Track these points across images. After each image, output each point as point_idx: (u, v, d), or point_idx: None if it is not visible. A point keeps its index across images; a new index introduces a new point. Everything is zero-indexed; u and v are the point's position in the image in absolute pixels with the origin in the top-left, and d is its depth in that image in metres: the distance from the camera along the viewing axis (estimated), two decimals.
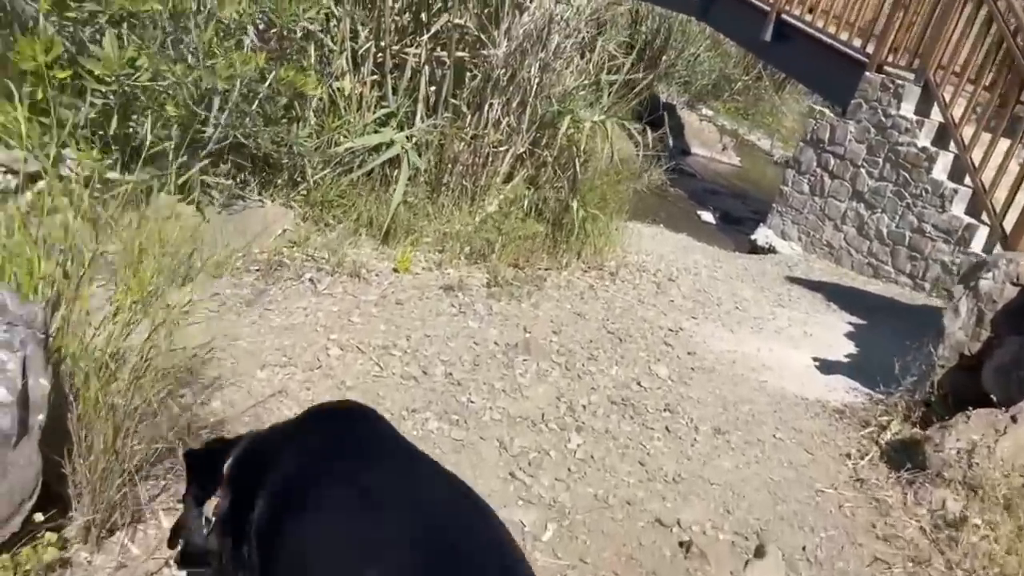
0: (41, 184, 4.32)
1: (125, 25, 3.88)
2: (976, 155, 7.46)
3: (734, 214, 10.48)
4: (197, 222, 4.33)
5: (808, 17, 8.78)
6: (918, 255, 7.47)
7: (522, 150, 5.61)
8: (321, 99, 5.16)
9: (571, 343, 4.05)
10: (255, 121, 4.58)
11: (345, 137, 5.10)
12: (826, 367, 4.76)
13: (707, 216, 10.08)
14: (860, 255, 7.98)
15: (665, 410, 3.62)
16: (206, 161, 4.59)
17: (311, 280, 4.00)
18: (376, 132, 5.13)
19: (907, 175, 7.65)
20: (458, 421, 3.13)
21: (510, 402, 3.36)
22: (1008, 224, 6.87)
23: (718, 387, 4.01)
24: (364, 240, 4.84)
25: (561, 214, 5.71)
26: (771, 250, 8.56)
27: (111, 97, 3.87)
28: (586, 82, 5.97)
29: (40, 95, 3.92)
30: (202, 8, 3.82)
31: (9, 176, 4.31)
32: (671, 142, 12.74)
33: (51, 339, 2.19)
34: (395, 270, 4.42)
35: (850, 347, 5.37)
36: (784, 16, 8.89)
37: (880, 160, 7.91)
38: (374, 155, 5.08)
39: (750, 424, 3.68)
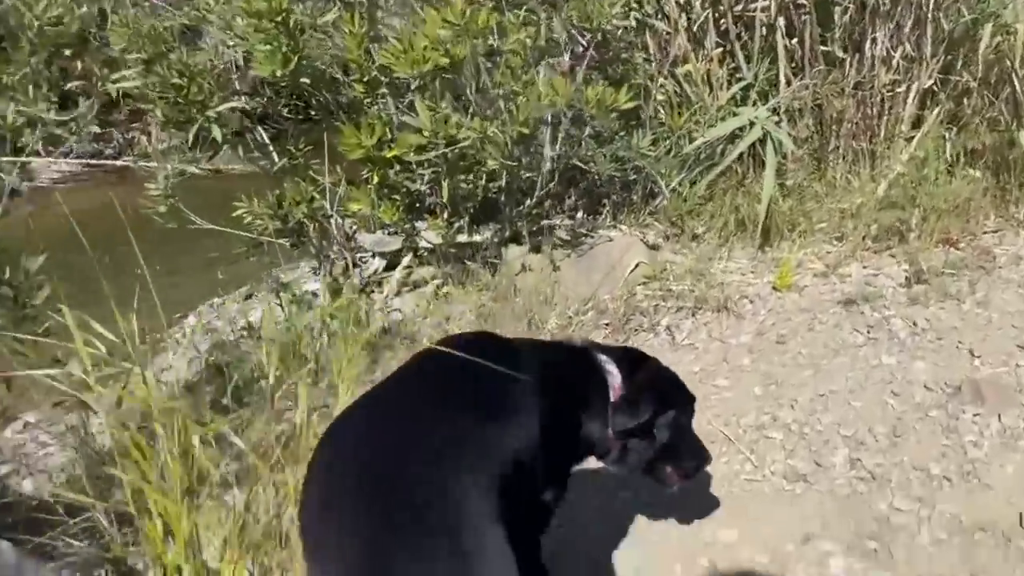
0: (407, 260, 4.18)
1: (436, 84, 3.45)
2: None
3: None
4: (548, 271, 3.80)
5: None
6: None
7: (929, 83, 4.13)
8: (665, 91, 4.33)
9: None
10: (588, 145, 3.90)
11: (697, 129, 4.18)
12: None
13: None
14: None
15: None
16: (544, 203, 4.04)
17: (668, 329, 3.18)
18: (732, 115, 4.11)
19: None
20: (876, 552, 2.06)
21: (961, 497, 2.18)
22: None
23: None
24: (737, 249, 3.88)
25: (1004, 151, 4.10)
26: None
27: (438, 163, 3.48)
28: None
29: (376, 178, 3.69)
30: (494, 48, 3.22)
31: (377, 259, 4.20)
32: None
33: None
34: (774, 288, 3.39)
35: None
36: None
37: None
38: (734, 143, 4.07)
39: None
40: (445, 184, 3.60)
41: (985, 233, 3.88)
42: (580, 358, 1.92)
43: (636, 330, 3.20)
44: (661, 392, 1.92)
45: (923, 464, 2.28)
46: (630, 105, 3.31)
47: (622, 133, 4.07)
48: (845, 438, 2.42)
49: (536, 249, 3.85)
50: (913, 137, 4.21)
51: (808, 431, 2.48)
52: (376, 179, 3.67)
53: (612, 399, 1.86)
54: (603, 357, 1.91)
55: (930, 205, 3.74)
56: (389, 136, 3.52)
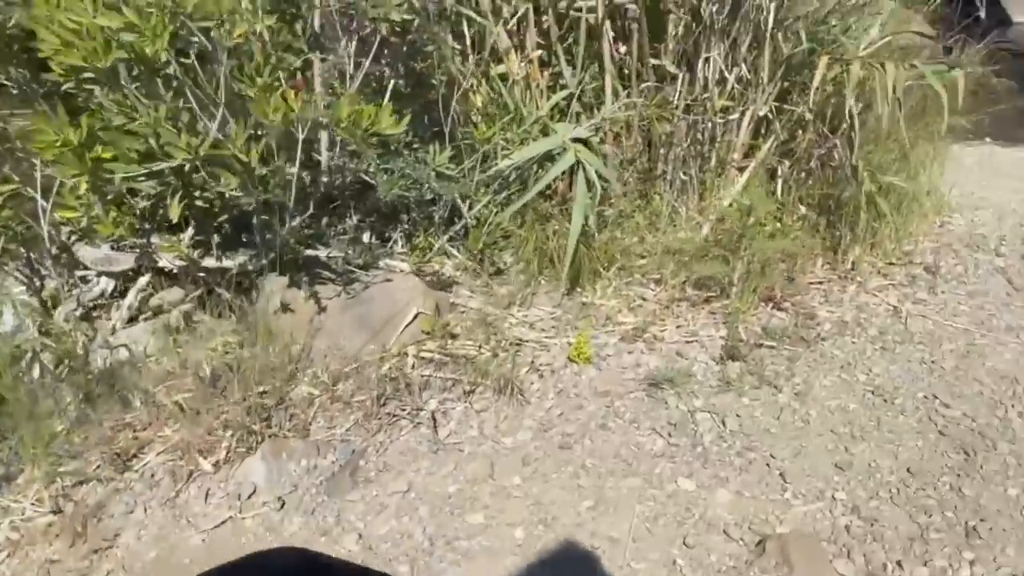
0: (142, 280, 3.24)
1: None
2: None
3: None
4: (312, 313, 2.97)
5: None
6: None
7: (765, 110, 3.52)
8: (479, 95, 3.55)
9: (874, 501, 2.10)
10: (369, 159, 3.06)
11: (508, 145, 3.42)
12: None
13: None
14: None
15: None
16: (321, 222, 3.19)
17: (433, 418, 2.43)
18: (549, 131, 3.36)
19: None
20: None
21: None
22: None
23: None
24: (543, 292, 3.18)
25: (837, 190, 3.58)
26: None
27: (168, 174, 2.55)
28: None
29: (85, 185, 2.70)
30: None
31: (104, 279, 3.23)
32: (982, 13, 9.30)
33: None
34: (571, 359, 2.70)
35: None
36: None
37: None
38: (552, 163, 3.34)
39: None
40: (174, 200, 2.68)
41: (812, 285, 3.36)
42: None
43: (393, 418, 2.43)
44: None
45: None
46: (396, 130, 2.47)
47: (415, 145, 3.27)
48: None
49: (298, 284, 3.00)
50: (745, 168, 3.63)
51: None
52: (85, 185, 2.70)
53: None
54: None
55: (755, 252, 3.15)
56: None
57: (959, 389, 2.60)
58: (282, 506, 2.18)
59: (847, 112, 3.32)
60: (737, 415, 2.42)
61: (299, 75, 2.34)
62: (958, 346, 2.87)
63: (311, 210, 2.84)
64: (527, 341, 2.85)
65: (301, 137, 2.50)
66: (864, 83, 3.30)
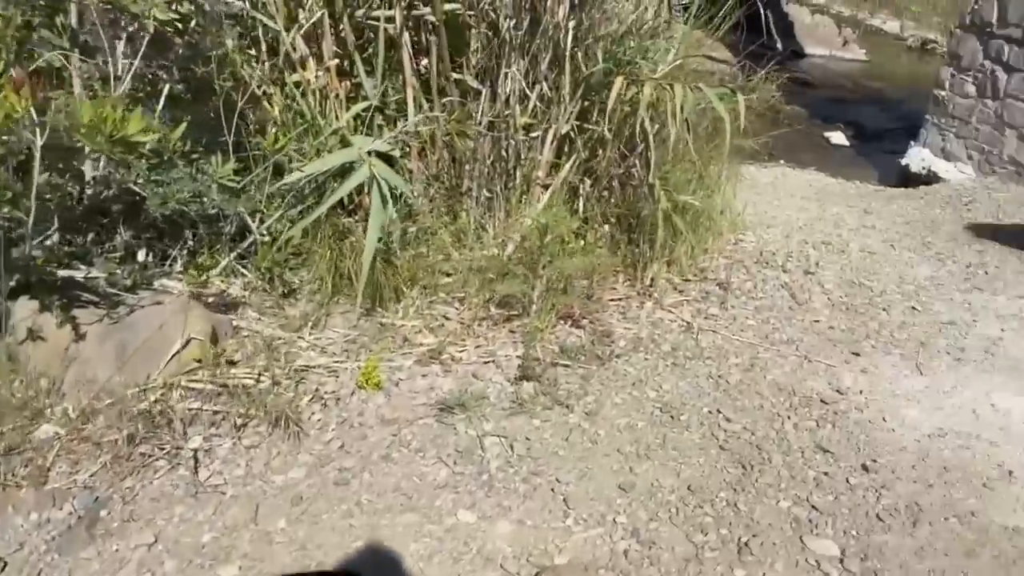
0: None
1: None
2: None
3: (871, 128, 7.90)
4: (67, 340, 2.61)
5: None
6: None
7: (567, 128, 3.52)
8: (273, 102, 3.32)
9: (654, 523, 2.07)
10: (136, 171, 2.75)
11: (298, 155, 3.21)
12: None
13: (837, 137, 7.57)
14: None
15: None
16: (85, 238, 2.84)
17: (195, 457, 2.17)
18: (341, 146, 3.18)
19: None
20: None
21: None
22: None
23: (946, 562, 1.95)
24: (338, 313, 2.98)
25: (637, 208, 3.64)
26: (931, 177, 6.07)
27: None
28: (649, 10, 3.74)
29: None
30: None
31: None
32: (779, 45, 10.05)
33: None
34: (359, 386, 2.53)
35: None
36: None
37: None
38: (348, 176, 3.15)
39: None
40: None
41: (612, 301, 3.37)
42: None
43: (147, 458, 2.15)
44: None
45: None
46: (146, 137, 2.21)
47: (195, 156, 2.98)
48: None
49: (51, 308, 2.63)
50: (549, 185, 3.60)
51: None
52: None
53: None
54: None
55: (555, 270, 3.10)
56: None
57: (742, 403, 2.65)
58: (3, 568, 1.85)
59: (639, 131, 3.37)
60: (527, 438, 2.34)
61: (14, 70, 2.01)
62: (743, 360, 2.94)
63: (57, 225, 2.49)
64: (315, 367, 2.64)
65: (40, 142, 2.18)
66: (656, 104, 3.37)
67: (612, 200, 3.71)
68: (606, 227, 3.70)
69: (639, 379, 2.74)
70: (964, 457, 2.43)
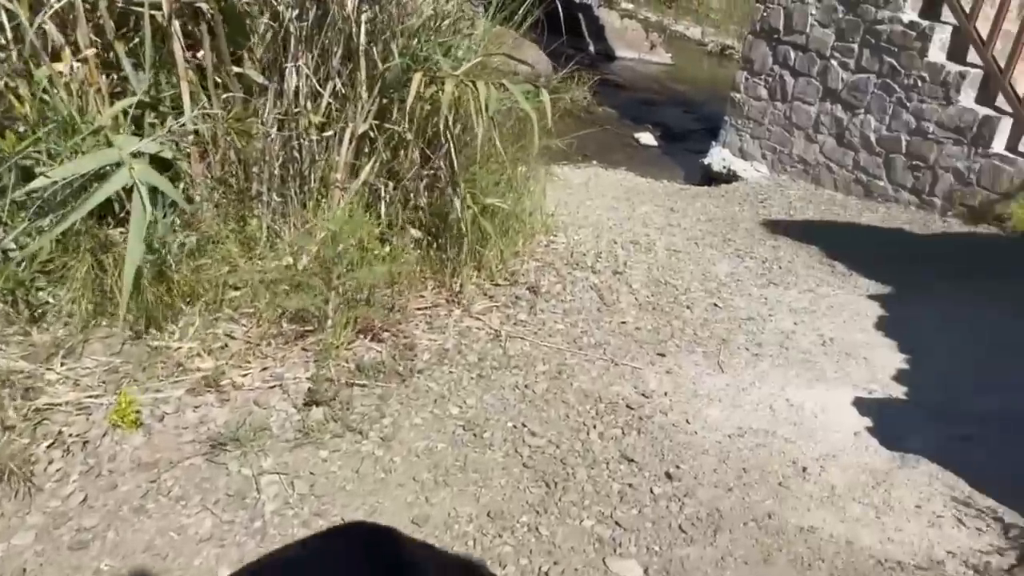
0: None
1: None
2: (981, 25, 5.25)
3: (677, 128, 8.21)
4: None
5: None
6: (921, 163, 5.31)
7: (364, 127, 3.28)
8: (22, 98, 2.85)
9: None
10: None
11: (52, 161, 2.77)
12: (889, 430, 2.67)
13: (646, 138, 7.80)
14: (844, 170, 5.81)
15: None
16: None
17: None
18: (100, 145, 2.77)
19: (894, 61, 5.41)
20: None
21: None
22: None
23: (745, 571, 1.91)
24: (99, 339, 2.58)
25: (443, 211, 3.46)
26: (731, 176, 6.36)
27: None
28: (449, 3, 3.56)
29: None
30: None
31: None
32: (592, 48, 10.29)
33: None
34: (114, 425, 2.17)
35: (892, 355, 3.28)
36: None
37: (855, 46, 5.64)
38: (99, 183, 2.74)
39: None
40: None
41: (419, 311, 3.17)
42: None
43: None
44: None
45: None
46: None
47: None
48: None
49: None
50: (348, 187, 3.35)
51: None
52: None
53: None
54: None
55: (354, 280, 2.86)
56: None
57: (548, 414, 2.53)
58: None
59: (442, 130, 3.19)
60: (311, 473, 2.09)
61: None
62: (551, 367, 2.84)
63: None
64: (61, 405, 2.24)
65: None
66: (459, 102, 3.20)
67: (418, 203, 3.51)
68: (412, 232, 3.51)
69: (441, 395, 2.55)
70: (761, 456, 2.44)
